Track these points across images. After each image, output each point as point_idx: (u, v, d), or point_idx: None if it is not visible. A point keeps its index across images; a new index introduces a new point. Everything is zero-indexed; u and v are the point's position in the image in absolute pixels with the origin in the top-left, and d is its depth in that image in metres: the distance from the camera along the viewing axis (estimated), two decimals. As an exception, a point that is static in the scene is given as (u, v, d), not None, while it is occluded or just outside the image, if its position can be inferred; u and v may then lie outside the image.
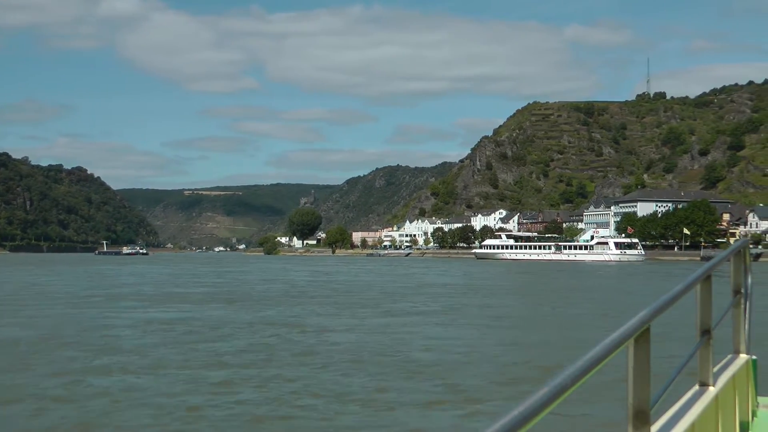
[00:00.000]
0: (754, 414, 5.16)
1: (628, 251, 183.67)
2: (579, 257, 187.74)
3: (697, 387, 4.19)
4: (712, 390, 4.16)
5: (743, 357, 5.06)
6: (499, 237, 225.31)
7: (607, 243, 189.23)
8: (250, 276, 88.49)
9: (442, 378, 19.30)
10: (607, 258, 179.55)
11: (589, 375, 2.16)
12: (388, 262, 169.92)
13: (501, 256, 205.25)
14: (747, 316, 5.09)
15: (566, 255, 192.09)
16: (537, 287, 69.19)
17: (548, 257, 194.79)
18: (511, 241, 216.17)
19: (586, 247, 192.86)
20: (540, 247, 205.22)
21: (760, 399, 5.42)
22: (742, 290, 4.99)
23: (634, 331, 2.68)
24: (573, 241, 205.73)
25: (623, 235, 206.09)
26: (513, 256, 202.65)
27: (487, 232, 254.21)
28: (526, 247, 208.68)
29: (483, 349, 24.97)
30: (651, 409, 2.91)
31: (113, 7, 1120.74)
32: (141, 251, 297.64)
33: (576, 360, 2.15)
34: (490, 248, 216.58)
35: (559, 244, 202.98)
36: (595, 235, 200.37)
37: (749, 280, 5.05)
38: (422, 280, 79.62)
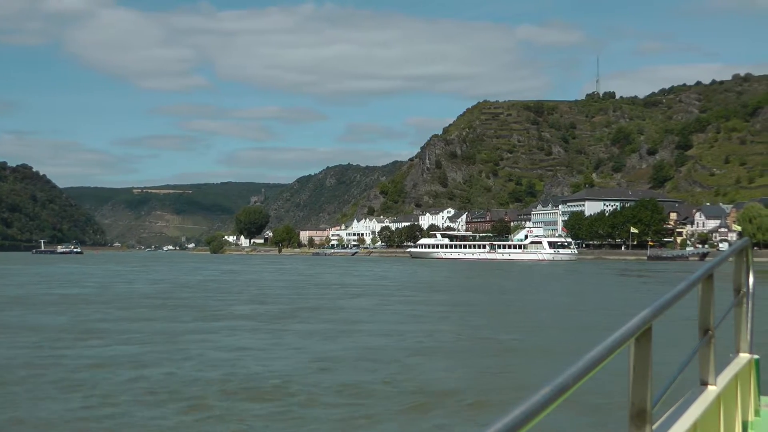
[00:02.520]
0: (756, 413, 5.10)
1: (561, 251, 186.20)
2: (513, 256, 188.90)
3: (698, 387, 4.18)
4: (714, 389, 4.17)
5: (746, 356, 5.04)
6: (434, 236, 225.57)
7: (540, 242, 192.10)
8: (145, 275, 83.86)
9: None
10: (540, 257, 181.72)
11: (591, 374, 2.16)
12: (319, 262, 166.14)
13: (436, 256, 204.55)
14: (749, 315, 5.08)
15: (500, 254, 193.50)
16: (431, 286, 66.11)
17: (483, 256, 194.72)
18: (446, 241, 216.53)
19: (520, 247, 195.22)
20: (475, 247, 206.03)
21: (763, 398, 5.35)
22: (744, 289, 4.99)
23: (635, 330, 2.68)
24: (507, 240, 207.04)
25: (558, 234, 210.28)
26: (447, 256, 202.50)
27: (435, 230, 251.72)
28: (461, 247, 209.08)
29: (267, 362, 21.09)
30: (652, 409, 2.91)
31: (60, 3, 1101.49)
32: (75, 250, 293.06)
33: (577, 359, 2.15)
34: (425, 247, 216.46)
35: (494, 243, 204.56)
36: (529, 234, 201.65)
37: (751, 279, 5.02)
38: (322, 279, 75.93)
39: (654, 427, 2.97)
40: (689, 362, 3.75)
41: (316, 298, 46.91)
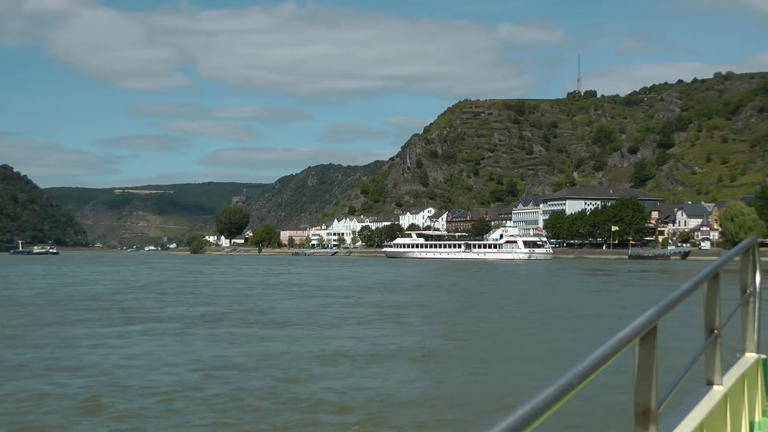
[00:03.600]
0: (764, 413, 5.07)
1: (536, 250, 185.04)
2: (488, 256, 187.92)
3: (705, 387, 4.17)
4: (720, 389, 4.15)
5: (753, 356, 5.02)
6: (410, 236, 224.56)
7: (515, 242, 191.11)
8: (109, 276, 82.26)
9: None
10: (515, 257, 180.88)
11: (596, 374, 2.16)
12: (294, 262, 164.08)
13: (411, 255, 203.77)
14: (756, 314, 5.05)
15: (476, 254, 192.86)
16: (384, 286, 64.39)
17: (458, 256, 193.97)
18: (421, 240, 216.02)
19: (495, 246, 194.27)
20: (450, 246, 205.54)
21: None
22: (751, 288, 4.97)
23: (640, 329, 2.67)
24: (483, 240, 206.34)
25: (532, 233, 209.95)
26: (423, 255, 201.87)
27: (415, 230, 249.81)
28: (436, 246, 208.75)
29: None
30: (658, 409, 2.90)
31: (40, 3, 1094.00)
32: (51, 251, 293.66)
33: (582, 358, 2.14)
34: (400, 247, 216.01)
35: (469, 243, 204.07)
36: (504, 234, 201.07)
37: (758, 278, 5.00)
38: (283, 280, 74.13)
39: (660, 427, 2.95)
40: (695, 362, 3.72)
41: (260, 300, 45.39)
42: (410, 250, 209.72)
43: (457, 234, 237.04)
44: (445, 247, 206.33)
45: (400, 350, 23.31)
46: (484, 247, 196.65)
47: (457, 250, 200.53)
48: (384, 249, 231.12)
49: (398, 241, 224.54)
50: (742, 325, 4.93)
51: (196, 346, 23.86)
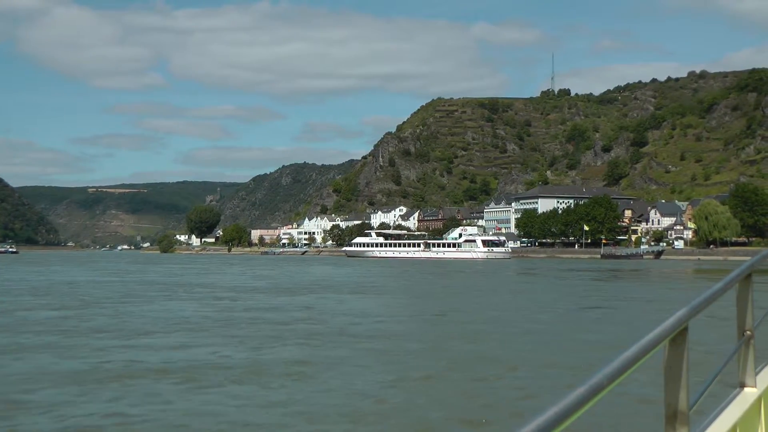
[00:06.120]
0: None
1: (495, 249, 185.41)
2: (447, 255, 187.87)
3: (737, 389, 4.08)
4: (753, 392, 4.06)
5: None
6: (369, 235, 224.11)
7: (474, 241, 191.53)
8: (40, 276, 79.01)
9: None
10: (474, 256, 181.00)
11: (626, 375, 2.15)
12: (252, 261, 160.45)
13: (370, 254, 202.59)
14: None
15: (434, 253, 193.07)
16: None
17: (417, 255, 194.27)
18: (381, 239, 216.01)
19: (454, 245, 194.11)
20: (409, 245, 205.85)
21: None
22: None
23: (670, 330, 2.65)
24: (442, 239, 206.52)
25: (494, 232, 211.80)
26: (382, 254, 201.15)
27: (386, 229, 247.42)
28: (395, 245, 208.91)
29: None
30: (689, 411, 2.86)
31: (12, 1, 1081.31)
32: (10, 250, 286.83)
33: (612, 359, 2.13)
34: (360, 246, 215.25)
35: (428, 242, 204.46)
36: (462, 233, 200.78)
37: None
38: (203, 280, 70.89)
39: (690, 429, 2.91)
40: (727, 363, 3.65)
41: (136, 302, 42.39)
42: (370, 249, 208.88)
43: (416, 233, 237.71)
44: (404, 246, 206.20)
45: (167, 364, 20.24)
46: (444, 246, 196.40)
47: (416, 249, 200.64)
48: (343, 248, 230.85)
49: (358, 240, 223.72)
50: None
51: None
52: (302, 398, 16.09)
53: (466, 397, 16.26)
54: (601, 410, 12.84)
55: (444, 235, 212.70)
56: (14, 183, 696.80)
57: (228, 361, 20.79)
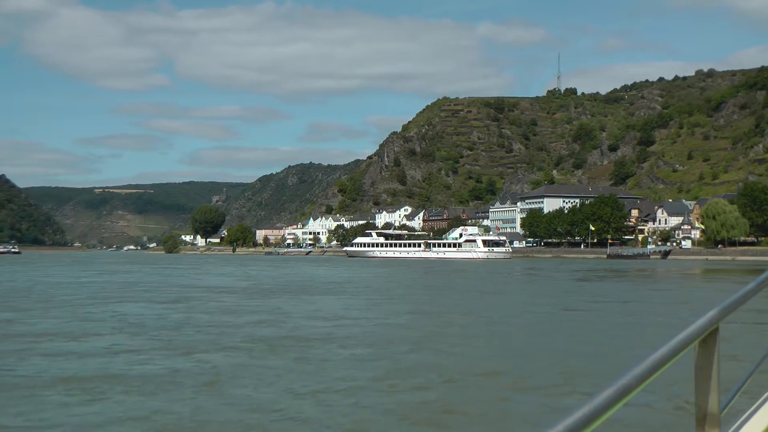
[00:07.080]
0: None
1: (495, 249, 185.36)
2: (448, 255, 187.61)
3: None
4: None
5: None
6: (370, 235, 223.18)
7: (474, 241, 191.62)
8: (31, 276, 77.79)
9: None
10: (474, 256, 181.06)
11: (655, 376, 2.14)
12: (249, 262, 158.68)
13: (371, 254, 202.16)
14: None
15: (435, 253, 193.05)
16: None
17: (417, 255, 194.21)
18: (381, 239, 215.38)
19: (454, 245, 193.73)
20: (410, 245, 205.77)
21: None
22: None
23: (701, 331, 2.61)
24: (442, 239, 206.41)
25: (494, 232, 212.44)
26: (382, 254, 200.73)
27: (389, 229, 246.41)
28: (396, 245, 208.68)
29: None
30: (720, 414, 2.82)
31: (19, 3, 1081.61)
32: (12, 250, 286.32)
33: (641, 360, 2.12)
34: (360, 246, 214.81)
35: (429, 242, 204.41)
36: (463, 233, 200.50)
37: None
38: (194, 281, 68.73)
39: (722, 431, 2.87)
40: (760, 365, 3.56)
41: (99, 304, 40.24)
42: (370, 249, 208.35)
43: (418, 233, 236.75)
44: (405, 246, 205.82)
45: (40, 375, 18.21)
46: (444, 246, 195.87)
47: (416, 249, 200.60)
48: (344, 248, 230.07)
49: (358, 240, 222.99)
50: None
51: None
52: (198, 410, 14.01)
53: (376, 412, 14.11)
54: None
55: (444, 235, 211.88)
56: (21, 184, 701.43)
57: (139, 369, 18.64)
